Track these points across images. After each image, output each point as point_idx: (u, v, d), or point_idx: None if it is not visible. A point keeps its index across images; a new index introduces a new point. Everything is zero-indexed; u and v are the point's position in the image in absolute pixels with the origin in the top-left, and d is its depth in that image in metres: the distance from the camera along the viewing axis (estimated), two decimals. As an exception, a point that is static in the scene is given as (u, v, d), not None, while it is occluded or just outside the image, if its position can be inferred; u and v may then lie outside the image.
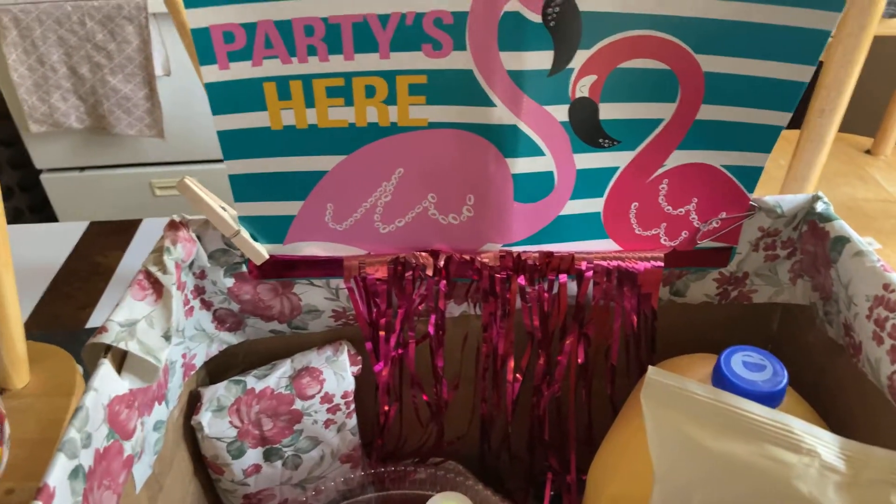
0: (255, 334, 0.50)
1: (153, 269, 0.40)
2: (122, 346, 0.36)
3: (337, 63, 0.38)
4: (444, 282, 0.46)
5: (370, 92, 0.39)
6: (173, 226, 0.43)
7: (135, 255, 0.90)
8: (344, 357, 0.48)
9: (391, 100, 0.39)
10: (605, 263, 0.46)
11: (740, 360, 0.37)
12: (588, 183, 0.43)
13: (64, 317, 0.79)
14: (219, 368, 0.50)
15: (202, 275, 0.45)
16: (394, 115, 0.40)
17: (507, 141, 0.41)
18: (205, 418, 0.45)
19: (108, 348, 0.37)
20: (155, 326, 0.39)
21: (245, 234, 0.44)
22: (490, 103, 0.39)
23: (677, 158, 0.43)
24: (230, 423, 0.46)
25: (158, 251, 0.41)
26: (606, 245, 0.46)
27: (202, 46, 0.37)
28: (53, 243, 0.92)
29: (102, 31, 1.43)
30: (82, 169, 1.69)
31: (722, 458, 0.31)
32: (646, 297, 0.47)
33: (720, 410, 0.32)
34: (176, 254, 0.42)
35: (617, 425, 0.44)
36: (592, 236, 0.46)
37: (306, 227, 0.44)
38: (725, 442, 0.31)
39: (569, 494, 0.51)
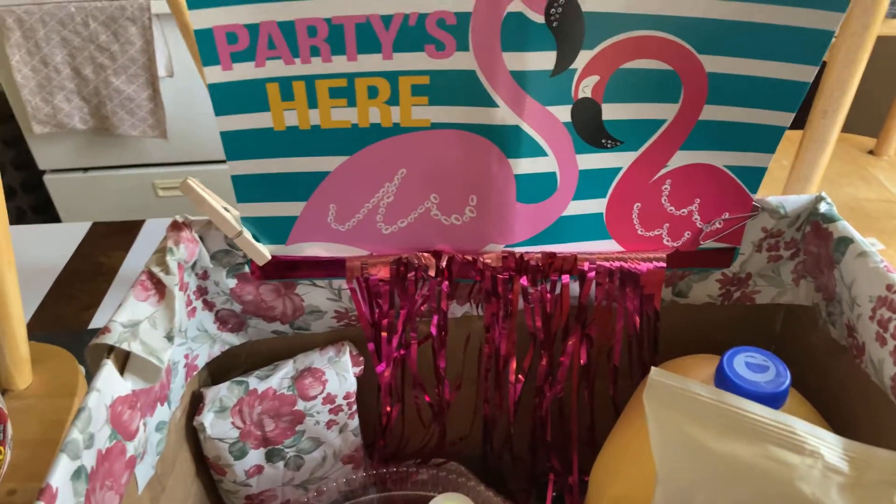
0: (258, 335, 0.50)
1: (156, 270, 0.40)
2: (124, 346, 0.37)
3: (340, 64, 0.38)
4: (447, 282, 0.46)
5: (373, 93, 0.39)
6: (176, 226, 0.43)
7: (138, 256, 0.90)
8: (346, 358, 0.48)
9: (394, 100, 0.39)
10: (607, 264, 0.46)
11: (743, 361, 0.37)
12: (591, 183, 0.43)
13: (67, 317, 0.80)
14: (221, 369, 0.50)
15: (205, 275, 0.45)
16: (396, 115, 0.40)
17: (509, 141, 0.41)
18: (207, 419, 0.45)
19: (110, 349, 0.37)
20: (157, 327, 0.39)
21: (247, 234, 0.44)
22: (493, 104, 0.39)
23: (680, 159, 0.43)
24: (232, 423, 0.46)
25: (161, 252, 0.41)
26: (609, 246, 0.46)
27: (205, 47, 0.37)
28: (56, 244, 0.92)
29: (106, 32, 1.43)
30: (85, 170, 1.69)
31: (724, 459, 0.31)
32: (648, 297, 0.47)
33: (723, 411, 0.32)
34: (179, 254, 0.42)
35: (619, 426, 0.43)
36: (595, 237, 0.46)
37: (309, 227, 0.44)
38: (728, 443, 0.31)
39: (571, 495, 0.51)
